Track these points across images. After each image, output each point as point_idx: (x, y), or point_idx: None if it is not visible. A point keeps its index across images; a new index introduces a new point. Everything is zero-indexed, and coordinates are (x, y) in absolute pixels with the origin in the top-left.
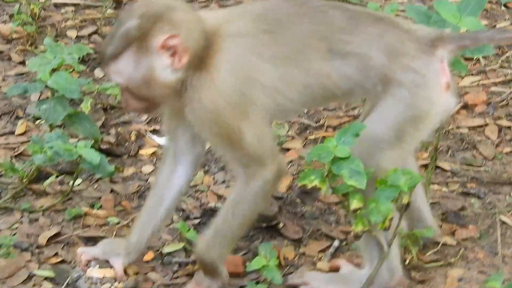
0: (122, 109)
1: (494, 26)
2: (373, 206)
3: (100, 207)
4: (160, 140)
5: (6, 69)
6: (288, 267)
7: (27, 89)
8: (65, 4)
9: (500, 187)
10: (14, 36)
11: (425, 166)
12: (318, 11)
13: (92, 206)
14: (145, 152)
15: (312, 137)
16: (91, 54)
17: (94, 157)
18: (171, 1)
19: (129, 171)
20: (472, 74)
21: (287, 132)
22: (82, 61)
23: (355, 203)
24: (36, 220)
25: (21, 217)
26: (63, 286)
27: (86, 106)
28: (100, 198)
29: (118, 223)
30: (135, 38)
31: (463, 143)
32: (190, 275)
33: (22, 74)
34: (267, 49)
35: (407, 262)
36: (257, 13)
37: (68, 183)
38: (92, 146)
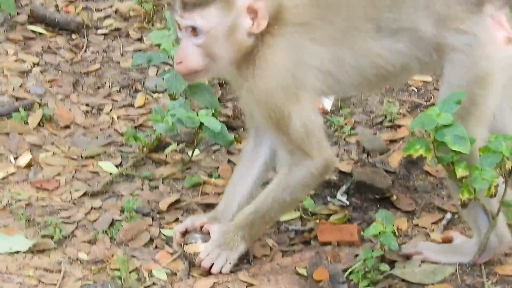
0: None
1: None
2: (477, 174)
3: (218, 176)
4: None
5: (124, 45)
6: (401, 237)
7: (151, 58)
8: None
9: None
10: (132, 14)
11: None
12: None
13: (210, 175)
14: None
15: None
16: None
17: (216, 125)
18: None
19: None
20: None
21: (399, 109)
22: None
23: (460, 172)
24: (156, 187)
25: (142, 184)
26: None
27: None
28: (217, 168)
29: None
30: None
31: None
32: (306, 242)
33: (139, 50)
34: (320, 35)
35: None
36: None
37: (187, 153)
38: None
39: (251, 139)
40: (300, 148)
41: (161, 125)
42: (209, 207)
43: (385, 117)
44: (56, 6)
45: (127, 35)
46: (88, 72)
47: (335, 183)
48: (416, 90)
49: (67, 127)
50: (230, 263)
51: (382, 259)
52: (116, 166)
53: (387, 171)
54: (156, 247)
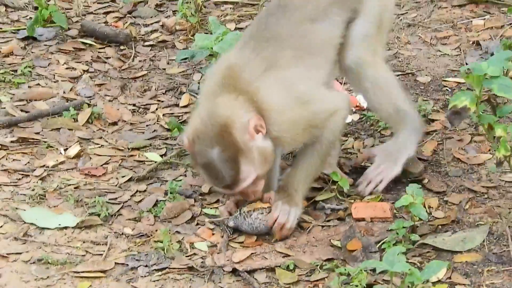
0: None
1: None
2: None
3: None
4: None
5: (170, 54)
6: (431, 214)
7: (194, 54)
8: (225, 2)
9: None
10: (177, 27)
11: None
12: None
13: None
14: None
15: None
16: None
17: None
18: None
19: None
20: None
21: (432, 107)
22: None
23: (499, 131)
24: (198, 174)
25: (185, 171)
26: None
27: None
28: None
29: None
30: (237, 151)
31: None
32: (341, 219)
33: (185, 59)
34: (281, 63)
35: None
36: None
37: None
38: None
39: None
40: (328, 113)
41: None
42: None
43: (419, 112)
44: (106, 22)
45: (173, 46)
46: (135, 77)
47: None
48: (449, 89)
49: (114, 123)
50: (297, 219)
51: (413, 230)
52: (161, 156)
53: (420, 159)
54: (197, 224)
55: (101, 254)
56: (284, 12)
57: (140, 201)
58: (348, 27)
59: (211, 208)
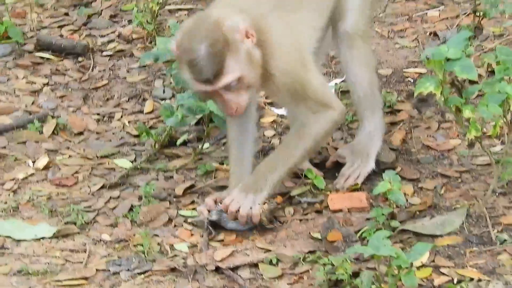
0: None
1: None
2: (483, 107)
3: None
4: (278, 111)
5: (129, 63)
6: (407, 202)
7: (158, 57)
8: (179, 9)
9: None
10: (134, 36)
11: None
12: None
13: (221, 163)
14: (266, 120)
15: None
16: None
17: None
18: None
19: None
20: None
21: (397, 98)
22: None
23: (467, 113)
24: (171, 177)
25: (157, 175)
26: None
27: None
28: (227, 157)
29: None
30: (223, 46)
31: None
32: (319, 212)
33: (144, 66)
34: (288, 16)
35: None
36: None
37: (198, 146)
38: None
39: (234, 124)
40: (323, 104)
41: (171, 119)
42: (223, 189)
43: (384, 104)
44: (61, 35)
45: (131, 55)
46: (97, 87)
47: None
48: (411, 80)
49: (80, 133)
50: (258, 204)
51: (392, 216)
52: (131, 162)
53: (391, 149)
54: (175, 225)
55: (81, 262)
56: None
57: (115, 207)
58: None
59: (186, 209)
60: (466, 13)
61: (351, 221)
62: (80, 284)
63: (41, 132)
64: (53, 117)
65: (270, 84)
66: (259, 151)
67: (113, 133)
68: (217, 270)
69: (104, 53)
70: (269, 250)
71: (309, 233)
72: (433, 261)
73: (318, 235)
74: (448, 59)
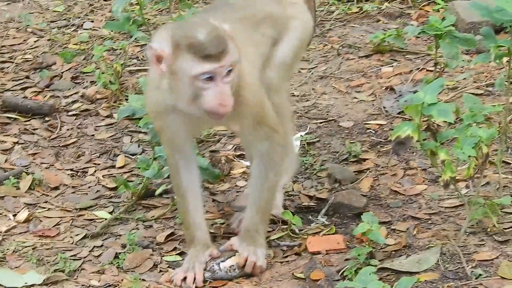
0: (209, 142)
1: None
2: (458, 149)
3: (206, 212)
4: (247, 163)
5: (95, 122)
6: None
7: (135, 112)
8: (139, 70)
9: None
10: (98, 96)
11: None
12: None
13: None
14: (236, 171)
15: (383, 149)
16: None
17: (203, 161)
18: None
19: (224, 186)
20: None
21: (360, 148)
22: None
23: (442, 155)
24: (150, 226)
25: (137, 225)
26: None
27: None
28: (204, 206)
29: (223, 223)
30: (223, 32)
31: None
32: (298, 254)
33: (111, 124)
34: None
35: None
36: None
37: (174, 197)
38: None
39: (180, 166)
40: (274, 129)
41: (148, 171)
42: None
43: (350, 154)
44: (25, 97)
45: (97, 114)
46: (67, 145)
47: (314, 208)
48: (373, 131)
49: (56, 188)
50: (265, 258)
51: (371, 256)
52: (109, 213)
53: (361, 194)
54: (160, 271)
55: None
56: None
57: (100, 255)
58: (272, 47)
59: (169, 255)
60: (419, 68)
61: (331, 261)
62: None
63: (17, 188)
64: (27, 173)
65: (237, 105)
66: (233, 200)
67: (88, 187)
68: None
69: (70, 113)
70: None
71: (292, 273)
72: None
73: (301, 275)
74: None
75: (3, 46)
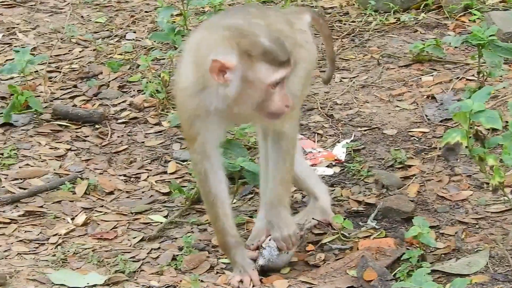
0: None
1: None
2: (506, 155)
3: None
4: None
5: (145, 129)
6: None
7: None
8: None
9: None
10: (146, 105)
11: None
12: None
13: (250, 216)
14: None
15: (428, 156)
16: None
17: (254, 166)
18: None
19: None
20: None
21: (405, 155)
22: None
23: (491, 161)
24: (205, 230)
25: (191, 228)
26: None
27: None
28: (256, 210)
29: None
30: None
31: None
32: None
33: (160, 131)
34: None
35: None
36: None
37: None
38: None
39: (208, 173)
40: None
41: None
42: None
43: (395, 160)
44: (74, 105)
45: (146, 122)
46: (118, 152)
47: (363, 213)
48: (417, 139)
49: (111, 193)
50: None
51: (423, 258)
52: (165, 217)
53: (410, 200)
54: (217, 272)
55: None
56: None
57: (157, 257)
58: None
59: (225, 257)
60: (458, 77)
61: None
62: None
63: (73, 193)
64: (82, 179)
65: None
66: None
67: (142, 192)
68: None
69: (119, 121)
70: (312, 284)
71: (345, 271)
72: None
73: (354, 273)
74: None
75: (50, 56)
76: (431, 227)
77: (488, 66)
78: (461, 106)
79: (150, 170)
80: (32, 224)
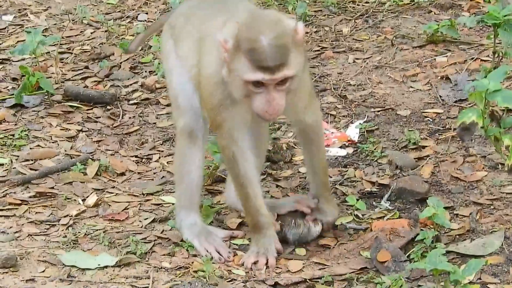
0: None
1: None
2: None
3: (271, 197)
4: None
5: (156, 110)
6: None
7: None
8: None
9: None
10: (157, 86)
11: None
12: None
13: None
14: (298, 158)
15: (442, 137)
16: None
17: None
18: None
19: (287, 172)
20: None
21: (419, 135)
22: None
23: (507, 141)
24: (219, 213)
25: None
26: None
27: None
28: (268, 191)
29: None
30: (290, 41)
31: None
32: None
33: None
34: None
35: None
36: None
37: None
38: None
39: (237, 156)
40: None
41: (218, 156)
42: None
43: (409, 141)
44: (86, 86)
45: (157, 103)
46: (129, 133)
47: (377, 194)
48: (431, 119)
49: (122, 174)
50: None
51: (437, 239)
52: None
53: (424, 180)
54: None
55: (147, 287)
56: None
57: (169, 239)
58: None
59: (238, 239)
60: (473, 58)
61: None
62: None
63: (85, 174)
64: (93, 160)
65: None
66: (297, 186)
67: (154, 173)
68: (275, 286)
69: (131, 102)
70: (326, 265)
71: (359, 252)
72: (480, 278)
73: (367, 254)
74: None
75: (61, 37)
76: (445, 208)
77: (504, 46)
78: (477, 86)
79: (162, 151)
80: (43, 205)
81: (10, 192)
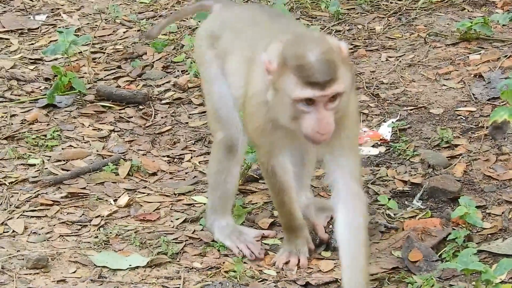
0: None
1: None
2: None
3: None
4: None
5: (188, 110)
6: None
7: None
8: None
9: None
10: (190, 85)
11: None
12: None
13: None
14: None
15: (475, 135)
16: None
17: None
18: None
19: (319, 172)
20: None
21: (452, 134)
22: None
23: None
24: (250, 213)
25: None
26: None
27: None
28: None
29: None
30: (337, 55)
31: None
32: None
33: (204, 112)
34: None
35: None
36: None
37: None
38: None
39: (276, 169)
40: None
41: (251, 156)
42: None
43: (441, 140)
44: (118, 86)
45: (190, 102)
46: (161, 132)
47: (409, 193)
48: (464, 118)
49: (154, 174)
50: None
51: (469, 238)
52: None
53: (456, 179)
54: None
55: (178, 286)
56: None
57: (200, 239)
58: None
59: (269, 239)
60: (506, 55)
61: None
62: None
63: (116, 174)
64: (125, 160)
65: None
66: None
67: (185, 173)
68: (307, 286)
69: (163, 101)
70: None
71: (391, 252)
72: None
73: (399, 253)
74: None
75: (93, 37)
76: (477, 207)
77: None
78: (510, 84)
79: (194, 150)
80: (74, 206)
81: (42, 193)
